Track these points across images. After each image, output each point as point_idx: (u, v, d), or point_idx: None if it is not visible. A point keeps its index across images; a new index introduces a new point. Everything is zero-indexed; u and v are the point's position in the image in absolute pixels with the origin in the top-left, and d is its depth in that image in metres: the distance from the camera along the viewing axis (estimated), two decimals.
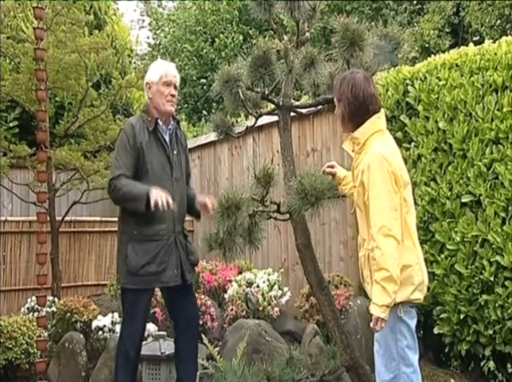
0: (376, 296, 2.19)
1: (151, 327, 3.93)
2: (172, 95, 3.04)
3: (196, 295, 4.39)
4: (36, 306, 4.23)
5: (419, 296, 2.32)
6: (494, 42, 3.90)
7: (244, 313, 4.32)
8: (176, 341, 3.14)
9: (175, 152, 3.06)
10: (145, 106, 3.15)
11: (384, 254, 2.18)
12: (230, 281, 4.77)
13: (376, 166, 2.26)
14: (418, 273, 2.31)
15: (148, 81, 3.08)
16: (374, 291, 2.21)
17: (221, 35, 13.22)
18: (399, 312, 2.28)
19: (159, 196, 2.78)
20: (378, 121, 2.39)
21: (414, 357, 2.35)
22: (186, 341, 3.10)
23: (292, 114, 3.28)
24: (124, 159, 2.93)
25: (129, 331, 2.97)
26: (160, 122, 3.03)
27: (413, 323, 2.35)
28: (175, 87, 3.06)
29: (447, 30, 9.37)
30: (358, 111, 2.37)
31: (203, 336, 3.86)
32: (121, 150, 2.95)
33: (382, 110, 2.45)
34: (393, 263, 2.17)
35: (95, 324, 4.03)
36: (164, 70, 3.05)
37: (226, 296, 4.68)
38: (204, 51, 13.43)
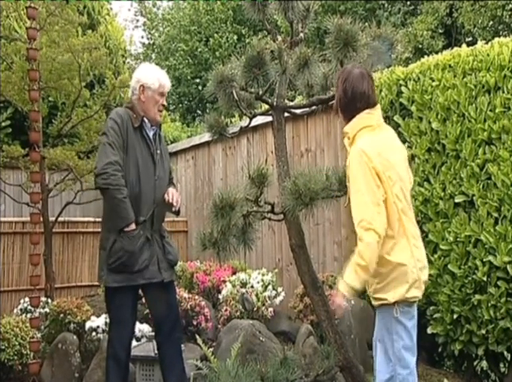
0: (348, 274, 2.23)
1: (145, 328, 3.92)
2: (163, 106, 3.09)
3: (190, 296, 4.40)
4: (30, 307, 4.22)
5: (415, 294, 2.28)
6: (486, 43, 3.92)
7: (238, 313, 4.32)
8: (160, 347, 3.06)
9: (158, 151, 3.06)
10: (129, 103, 3.07)
11: (364, 245, 2.21)
12: (225, 281, 4.77)
13: (356, 161, 2.28)
14: (413, 270, 2.26)
15: (143, 83, 3.01)
16: (347, 269, 2.24)
17: (215, 35, 13.22)
18: (395, 312, 2.26)
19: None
20: (367, 117, 2.37)
21: (411, 359, 2.31)
22: (169, 348, 3.03)
23: (286, 114, 3.28)
24: (117, 145, 2.88)
25: (118, 334, 2.94)
26: (145, 120, 3.02)
27: (410, 323, 2.31)
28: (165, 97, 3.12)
29: (440, 31, 9.40)
30: (346, 107, 2.40)
31: (197, 336, 3.86)
32: (113, 135, 2.88)
33: (378, 106, 2.42)
34: (371, 256, 2.19)
35: (88, 325, 4.02)
36: (163, 80, 3.06)
37: (220, 296, 4.68)
38: (199, 50, 13.42)
